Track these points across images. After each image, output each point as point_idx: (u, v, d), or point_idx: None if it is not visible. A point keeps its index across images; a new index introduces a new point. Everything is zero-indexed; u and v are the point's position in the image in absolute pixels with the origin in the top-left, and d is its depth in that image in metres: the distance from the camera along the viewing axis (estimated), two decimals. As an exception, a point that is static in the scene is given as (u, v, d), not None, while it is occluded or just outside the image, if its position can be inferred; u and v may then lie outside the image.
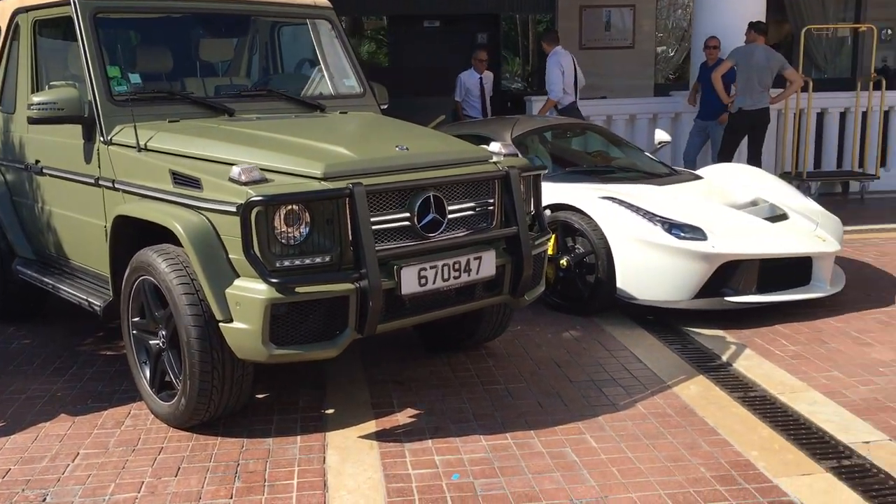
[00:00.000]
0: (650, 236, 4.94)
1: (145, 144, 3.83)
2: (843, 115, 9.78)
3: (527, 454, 3.38)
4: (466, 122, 8.48)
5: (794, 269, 5.14)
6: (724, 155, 8.59)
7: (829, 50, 13.63)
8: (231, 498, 3.08)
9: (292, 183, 3.38)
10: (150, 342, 3.71)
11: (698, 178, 6.07)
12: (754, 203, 5.65)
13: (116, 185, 3.91)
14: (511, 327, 4.91)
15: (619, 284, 5.08)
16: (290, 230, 3.28)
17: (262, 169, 3.40)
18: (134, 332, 3.81)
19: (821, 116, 9.74)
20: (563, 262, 5.27)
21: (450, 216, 3.68)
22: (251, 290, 3.24)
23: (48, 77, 4.66)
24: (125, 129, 3.93)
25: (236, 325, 3.29)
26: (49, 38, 4.72)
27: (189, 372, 3.41)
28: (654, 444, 3.46)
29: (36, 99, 3.99)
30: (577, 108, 8.97)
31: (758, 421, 3.66)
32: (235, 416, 3.72)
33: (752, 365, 4.35)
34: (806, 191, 9.00)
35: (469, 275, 3.68)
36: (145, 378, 3.77)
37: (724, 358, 4.46)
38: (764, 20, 8.86)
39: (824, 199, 9.04)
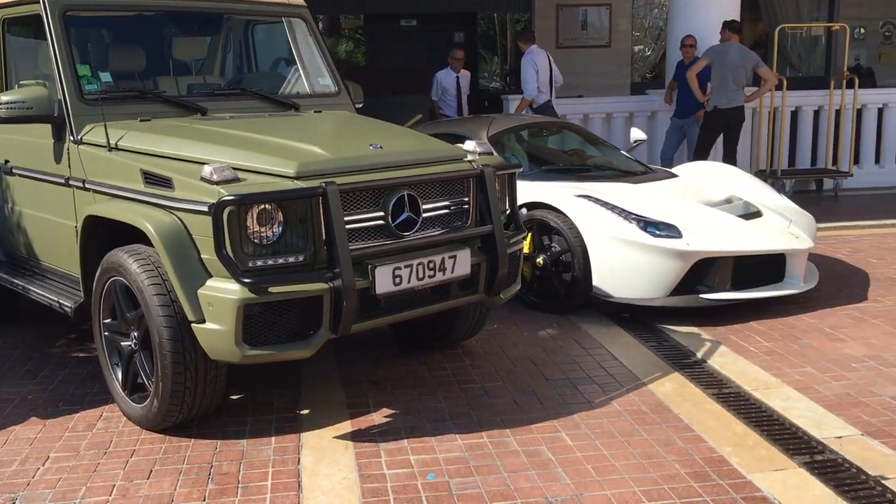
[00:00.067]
0: (626, 234, 4.95)
1: (116, 144, 3.79)
2: (816, 114, 9.88)
3: (502, 453, 3.38)
4: (443, 120, 8.48)
5: (768, 266, 5.18)
6: (700, 153, 8.64)
7: (803, 49, 13.76)
8: (204, 500, 3.06)
9: (265, 182, 3.36)
10: (122, 344, 3.68)
11: (673, 176, 6.10)
12: (729, 201, 5.69)
13: (87, 185, 3.86)
14: (488, 326, 4.90)
15: (595, 282, 5.09)
16: (262, 230, 3.25)
17: (234, 168, 3.37)
18: (105, 333, 3.77)
19: (795, 115, 9.83)
20: (540, 260, 5.27)
21: (424, 215, 3.67)
22: (224, 291, 3.21)
23: (18, 76, 4.60)
24: (95, 129, 3.88)
25: (209, 325, 3.26)
26: (19, 37, 4.66)
27: (161, 373, 3.38)
28: (628, 441, 3.47)
29: (4, 98, 3.92)
30: (553, 106, 9.00)
31: (732, 417, 3.68)
32: (209, 417, 3.69)
33: (726, 361, 4.37)
34: (780, 188, 9.08)
35: (444, 274, 3.67)
36: (117, 380, 3.73)
37: (699, 355, 4.48)
38: (738, 19, 8.93)
39: (799, 196, 9.10)
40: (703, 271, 4.97)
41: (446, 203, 3.79)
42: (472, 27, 13.82)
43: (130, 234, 3.53)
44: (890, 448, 3.34)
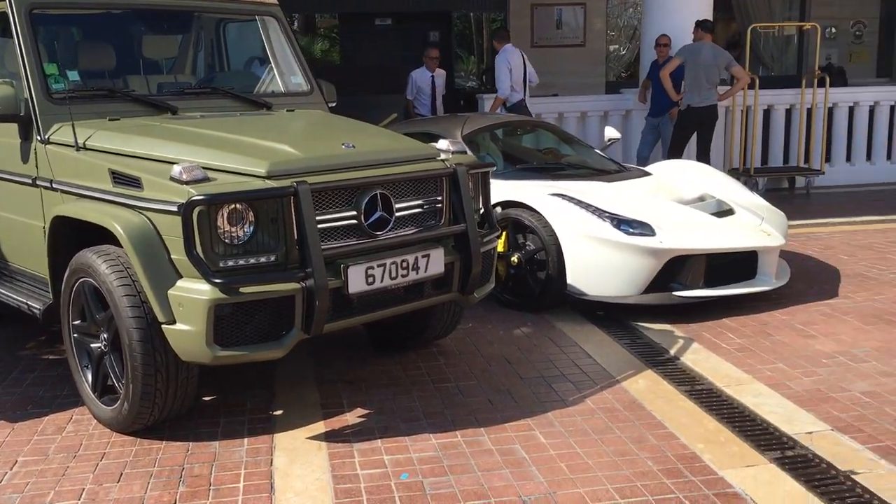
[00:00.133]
0: (599, 232, 4.97)
1: (84, 143, 3.74)
2: (788, 112, 9.98)
3: (476, 452, 3.38)
4: (417, 119, 8.47)
5: (741, 264, 5.22)
6: (674, 151, 8.70)
7: (775, 48, 13.90)
8: (175, 503, 3.02)
9: (236, 182, 3.33)
10: (92, 345, 3.63)
11: (647, 174, 6.13)
12: (701, 199, 5.73)
13: (54, 185, 3.81)
14: (462, 324, 4.90)
15: (569, 281, 5.10)
16: (233, 230, 3.22)
17: (204, 168, 3.34)
18: (75, 335, 3.72)
19: (767, 113, 9.92)
20: (514, 259, 5.27)
21: (397, 214, 3.66)
22: (194, 291, 3.18)
23: (-16, 74, 4.52)
24: (63, 128, 3.83)
25: (179, 326, 3.23)
26: (-16, 35, 4.59)
27: (131, 375, 3.34)
28: (602, 438, 3.48)
29: (-30, 97, 3.86)
30: (526, 105, 9.01)
31: (704, 414, 3.70)
32: (181, 419, 3.65)
33: (699, 358, 4.40)
34: (753, 186, 9.16)
35: (417, 273, 3.66)
36: (87, 382, 3.69)
37: (672, 352, 4.51)
38: (711, 19, 8.99)
39: (771, 194, 9.20)
40: (676, 269, 5.00)
41: (419, 202, 3.78)
42: (447, 26, 13.82)
43: (99, 235, 3.48)
44: (859, 443, 3.38)
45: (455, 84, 14.15)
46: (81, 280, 3.55)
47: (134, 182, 3.41)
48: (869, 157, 10.27)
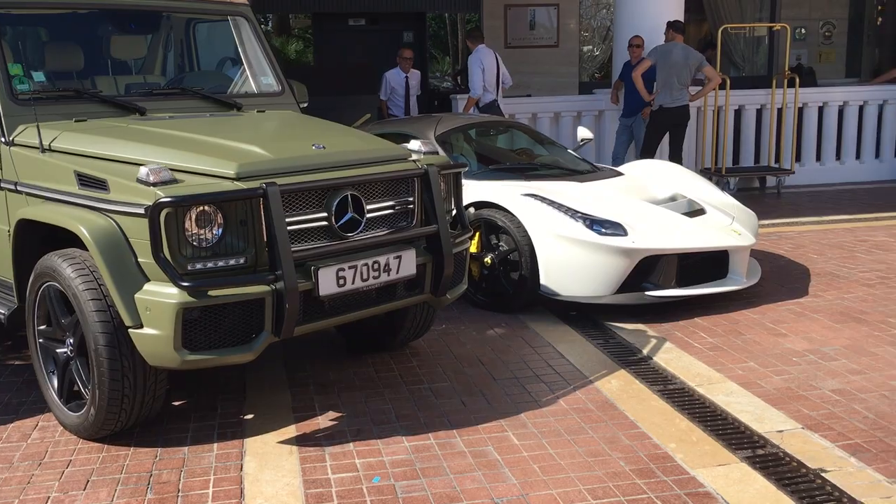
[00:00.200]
0: (572, 233, 4.97)
1: (49, 145, 3.68)
2: (759, 112, 10.07)
3: (449, 454, 3.36)
4: (391, 120, 8.44)
5: (712, 263, 5.25)
6: (647, 152, 8.75)
7: (746, 48, 14.02)
8: (143, 510, 2.98)
9: (204, 183, 3.29)
10: (58, 351, 3.57)
11: (619, 174, 6.16)
12: (673, 198, 5.76)
13: (19, 188, 3.74)
14: (436, 326, 4.89)
15: (542, 281, 5.10)
16: (201, 232, 3.18)
17: (172, 169, 3.30)
18: (40, 340, 3.65)
19: (738, 113, 10.00)
20: (488, 259, 5.27)
21: (368, 215, 3.63)
22: (161, 295, 3.13)
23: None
24: (28, 129, 3.77)
25: (147, 330, 3.18)
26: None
27: (98, 381, 3.29)
28: (575, 439, 3.48)
29: (-69, 98, 3.79)
30: (498, 105, 9.02)
31: (676, 413, 3.71)
32: (150, 424, 3.60)
33: (671, 358, 4.42)
34: (725, 186, 9.24)
35: (389, 274, 3.64)
36: (53, 388, 3.63)
37: (645, 352, 4.52)
38: (682, 19, 9.05)
39: (743, 193, 9.28)
40: (648, 269, 5.02)
41: (391, 203, 3.76)
42: (421, 26, 13.79)
43: (65, 238, 3.43)
44: (829, 441, 3.40)
45: (430, 85, 14.14)
46: (47, 284, 3.49)
47: (100, 184, 3.36)
48: (838, 156, 10.40)
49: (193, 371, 3.90)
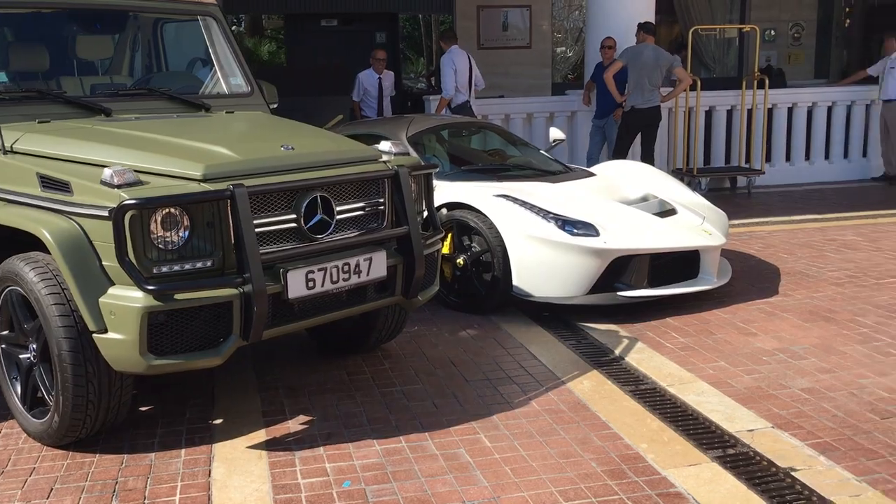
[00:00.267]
0: (544, 233, 4.97)
1: (11, 146, 3.61)
2: (730, 113, 10.14)
3: (420, 457, 3.34)
4: (363, 121, 8.40)
5: (683, 263, 5.27)
6: (619, 152, 8.78)
7: (716, 50, 14.14)
8: (108, 518, 2.93)
9: (170, 185, 3.24)
10: (21, 356, 3.50)
11: (591, 175, 6.17)
12: (644, 199, 5.78)
13: (-20, 190, 3.66)
14: (408, 327, 4.86)
15: (515, 282, 5.09)
16: (167, 234, 3.13)
17: (137, 171, 3.25)
18: (3, 346, 3.59)
19: (709, 114, 10.07)
20: (460, 261, 5.25)
21: (338, 217, 3.60)
22: (126, 299, 3.08)
23: None
24: (-11, 131, 3.69)
25: (111, 335, 3.12)
26: None
27: (62, 387, 3.22)
28: (546, 441, 3.46)
29: None
30: (470, 106, 9.02)
31: (648, 413, 3.71)
32: (116, 430, 3.54)
33: (643, 358, 4.42)
34: (696, 186, 9.30)
35: (359, 276, 3.61)
36: (16, 394, 3.55)
37: (617, 352, 4.52)
38: (653, 21, 9.09)
39: (714, 194, 9.35)
40: (620, 269, 5.03)
41: (361, 204, 3.72)
42: (393, 27, 13.75)
43: (27, 242, 3.35)
44: (799, 440, 3.42)
45: (404, 86, 14.10)
46: (8, 289, 3.42)
47: (63, 186, 3.30)
48: (808, 156, 10.50)
49: (161, 376, 3.84)
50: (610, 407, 3.79)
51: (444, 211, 5.27)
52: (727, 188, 10.23)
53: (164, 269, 3.12)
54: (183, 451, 3.42)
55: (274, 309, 3.38)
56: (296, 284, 3.38)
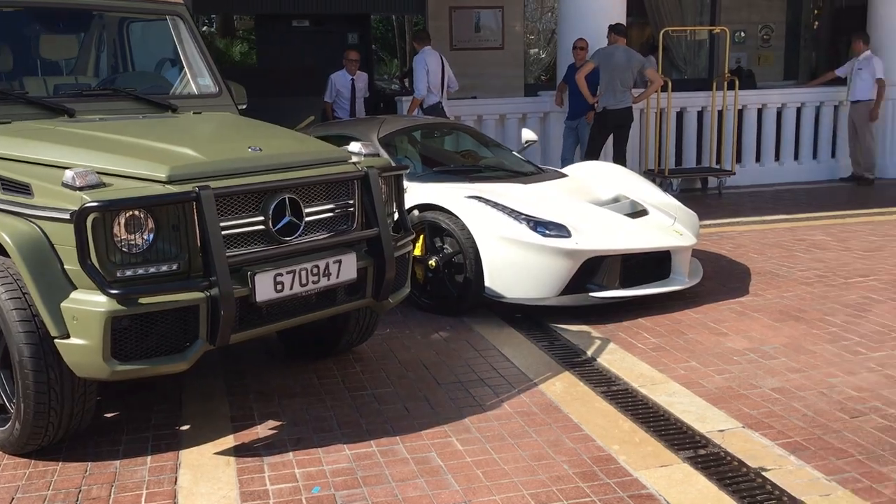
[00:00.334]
0: (516, 234, 4.95)
1: (-30, 148, 3.52)
2: (700, 114, 10.20)
3: (391, 461, 3.30)
4: (334, 122, 8.35)
5: (655, 263, 5.28)
6: (591, 153, 8.79)
7: (687, 51, 14.24)
8: (70, 528, 2.86)
9: (134, 187, 3.18)
10: (-19, 363, 3.42)
11: (563, 176, 6.17)
12: (616, 199, 5.78)
13: (-62, 193, 3.57)
14: (380, 330, 4.82)
15: (487, 283, 5.07)
16: (131, 237, 3.07)
17: (100, 173, 3.18)
18: (-38, 352, 3.49)
19: (680, 115, 10.13)
20: (432, 262, 5.22)
21: (307, 219, 3.55)
22: (89, 303, 3.01)
23: None
24: (-53, 132, 3.60)
25: (74, 340, 3.05)
26: None
27: (23, 394, 3.15)
28: (518, 443, 3.44)
29: None
30: (442, 107, 8.99)
31: (619, 414, 3.70)
32: (80, 438, 3.46)
33: (615, 359, 4.42)
34: (668, 187, 9.34)
35: (329, 279, 3.57)
36: (-24, 402, 3.47)
37: (589, 353, 4.52)
38: (624, 22, 9.12)
39: (685, 194, 9.39)
40: (592, 270, 5.02)
41: (330, 206, 3.68)
42: (365, 28, 13.71)
43: (-13, 246, 3.28)
44: (769, 439, 3.43)
45: (377, 87, 14.06)
46: (-32, 293, 3.33)
47: (23, 188, 3.22)
48: (777, 157, 10.60)
49: (126, 382, 3.77)
50: (582, 408, 3.78)
51: (415, 212, 5.23)
52: (698, 189, 10.29)
53: (128, 273, 3.06)
54: (149, 458, 3.35)
55: (242, 312, 3.33)
56: (264, 287, 3.33)
